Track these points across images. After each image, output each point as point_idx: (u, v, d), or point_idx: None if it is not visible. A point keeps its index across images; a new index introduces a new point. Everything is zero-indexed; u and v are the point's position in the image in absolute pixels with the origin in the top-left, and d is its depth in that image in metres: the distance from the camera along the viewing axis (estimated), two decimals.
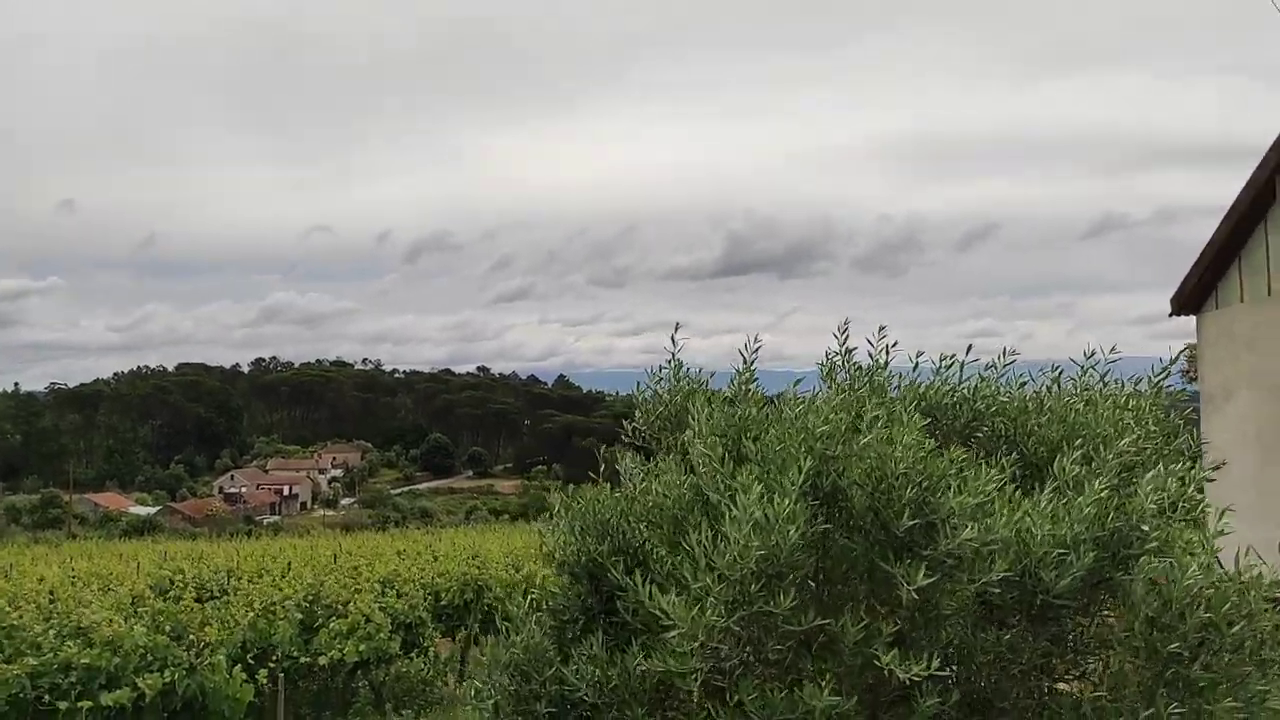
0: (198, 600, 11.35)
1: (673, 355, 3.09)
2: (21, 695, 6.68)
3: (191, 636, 7.51)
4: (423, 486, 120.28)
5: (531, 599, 2.80)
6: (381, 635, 8.75)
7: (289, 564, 16.87)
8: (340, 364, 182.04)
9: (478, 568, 13.15)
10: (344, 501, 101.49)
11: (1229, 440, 9.68)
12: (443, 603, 11.93)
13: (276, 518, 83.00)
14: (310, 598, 10.29)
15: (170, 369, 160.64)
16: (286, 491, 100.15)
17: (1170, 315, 20.49)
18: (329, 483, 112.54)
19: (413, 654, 9.32)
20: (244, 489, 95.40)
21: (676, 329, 3.14)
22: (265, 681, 7.27)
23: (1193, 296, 14.86)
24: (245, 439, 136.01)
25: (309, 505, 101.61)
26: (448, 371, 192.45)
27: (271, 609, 9.13)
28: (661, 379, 3.12)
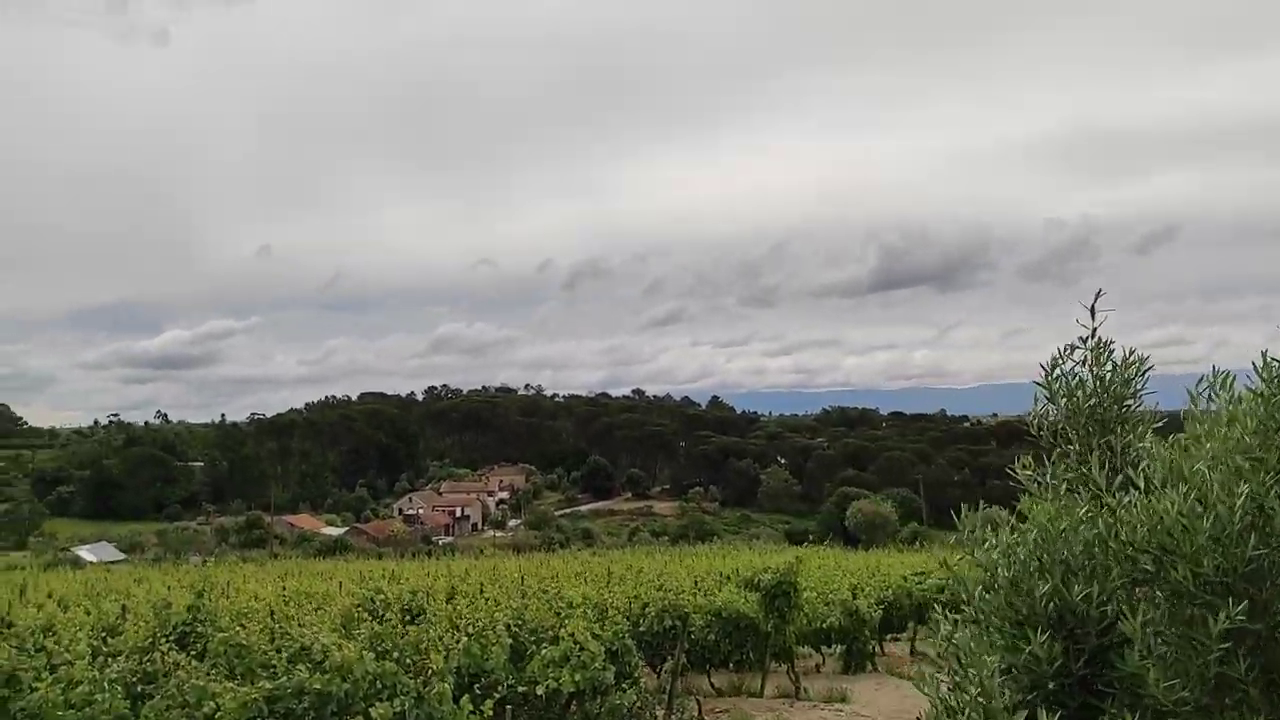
0: (403, 622, 11.42)
1: (1093, 331, 2.38)
2: (259, 719, 6.65)
3: (416, 662, 7.32)
4: (584, 508, 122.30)
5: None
6: (597, 665, 8.31)
7: (481, 586, 16.98)
8: (505, 390, 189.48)
9: (674, 594, 12.61)
10: (511, 522, 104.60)
11: None
12: (641, 629, 11.48)
13: (450, 538, 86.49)
14: (518, 622, 10.07)
15: (354, 398, 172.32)
16: (459, 513, 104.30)
17: None
18: (497, 504, 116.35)
19: (623, 685, 8.82)
20: (420, 510, 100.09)
21: (1097, 297, 2.41)
22: (490, 714, 6.93)
23: None
24: (421, 463, 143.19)
25: (479, 526, 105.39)
26: (604, 395, 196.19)
27: (484, 633, 8.89)
28: (1078, 361, 2.40)
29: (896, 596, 14.19)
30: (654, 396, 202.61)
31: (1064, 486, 2.49)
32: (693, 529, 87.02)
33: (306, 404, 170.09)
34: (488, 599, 13.86)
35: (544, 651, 8.81)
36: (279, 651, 8.85)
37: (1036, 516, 2.06)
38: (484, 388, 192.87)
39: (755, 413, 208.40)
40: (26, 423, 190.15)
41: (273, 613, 11.24)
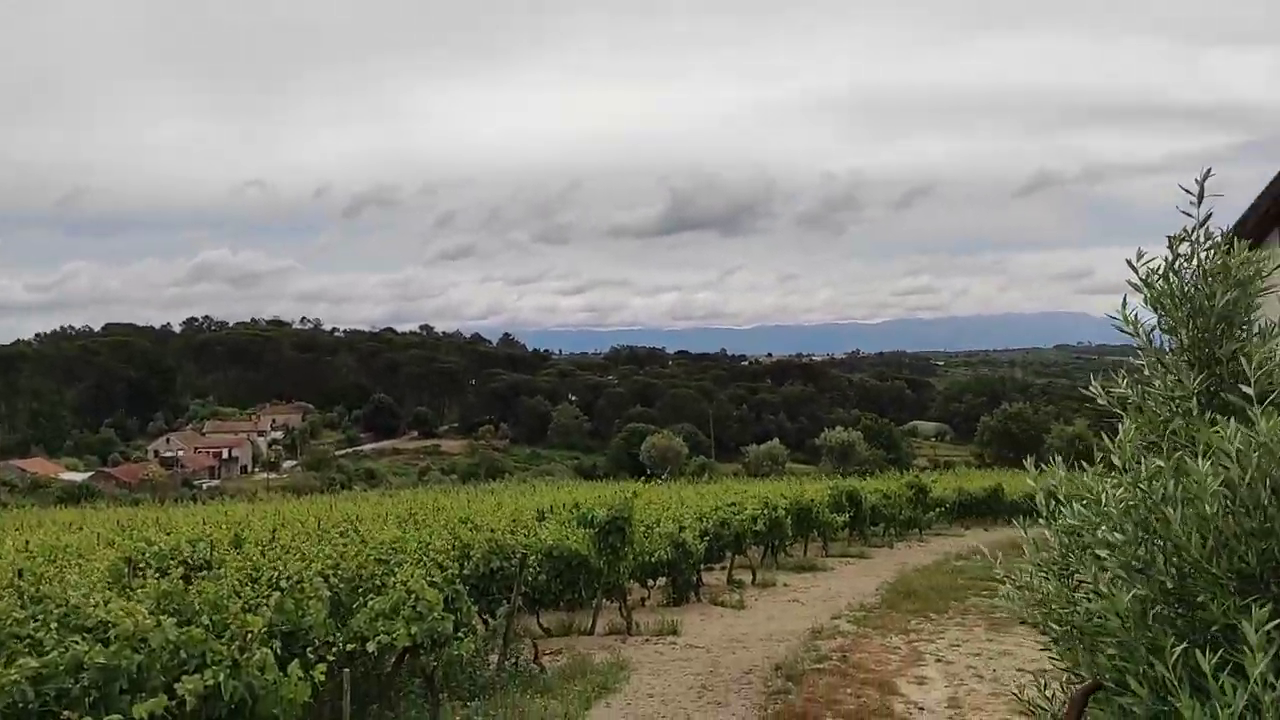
0: (185, 579, 10.00)
1: (1204, 219, 2.00)
2: (24, 705, 5.37)
3: (225, 624, 6.24)
4: (367, 448, 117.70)
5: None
6: (435, 615, 7.56)
7: (273, 532, 15.45)
8: (278, 323, 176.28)
9: (500, 533, 11.97)
10: (286, 464, 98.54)
11: None
12: (465, 573, 10.79)
13: (216, 481, 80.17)
14: (334, 571, 9.04)
15: (97, 329, 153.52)
16: (225, 455, 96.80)
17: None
18: (269, 445, 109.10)
19: (460, 633, 8.14)
20: (181, 453, 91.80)
21: (1206, 176, 2.03)
22: (322, 679, 6.04)
23: (1257, 228, 14.26)
24: (179, 401, 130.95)
25: (250, 468, 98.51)
26: (390, 330, 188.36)
27: (297, 587, 7.86)
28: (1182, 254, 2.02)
29: (716, 528, 14.39)
30: (443, 333, 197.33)
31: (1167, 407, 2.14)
32: (484, 467, 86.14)
33: (38, 334, 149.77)
34: (285, 547, 12.57)
35: (371, 603, 7.93)
36: (39, 619, 7.37)
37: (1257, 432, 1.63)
38: (253, 320, 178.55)
39: (546, 350, 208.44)
40: None
41: (20, 572, 9.45)
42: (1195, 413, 2.16)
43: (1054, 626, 2.39)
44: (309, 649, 6.96)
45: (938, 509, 23.25)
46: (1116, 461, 1.85)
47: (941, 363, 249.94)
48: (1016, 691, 2.92)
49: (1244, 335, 2.17)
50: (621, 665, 9.09)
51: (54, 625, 6.32)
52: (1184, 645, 1.45)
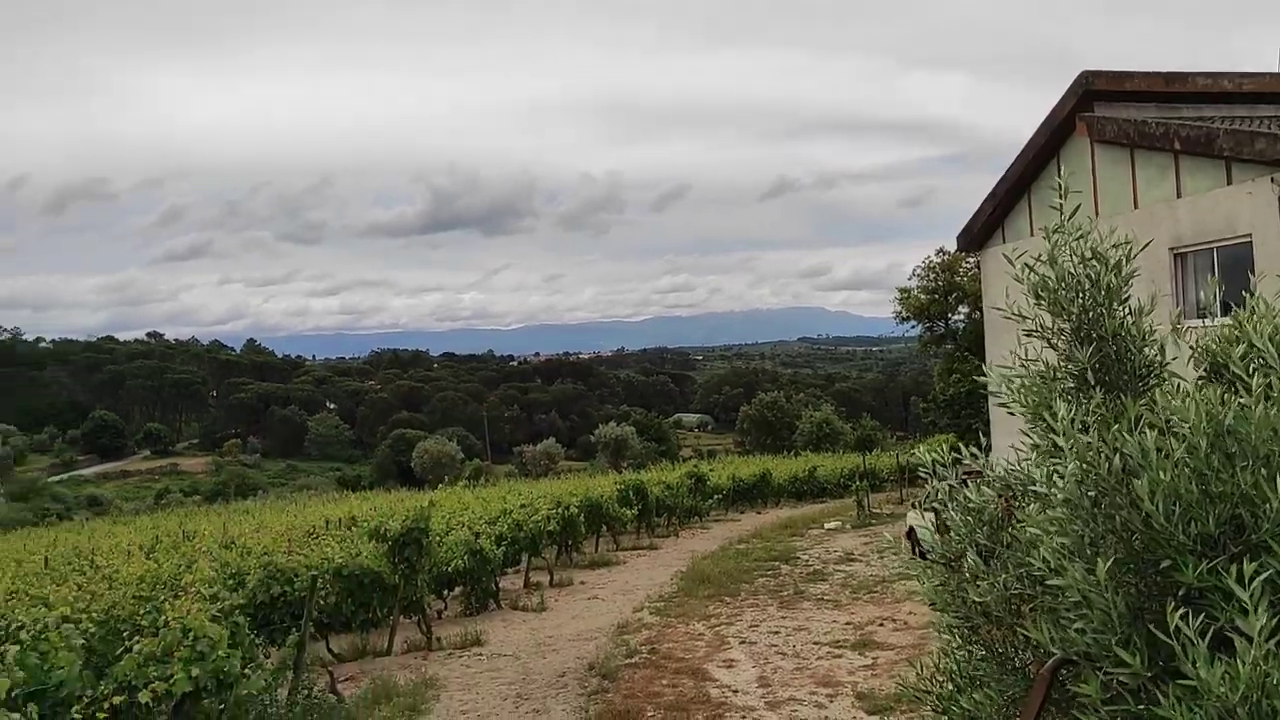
0: None
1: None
2: None
3: None
4: (88, 471, 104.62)
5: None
6: (220, 652, 6.73)
7: None
8: None
9: (275, 556, 10.94)
10: None
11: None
12: (242, 602, 9.75)
13: None
14: (83, 614, 7.79)
15: None
16: None
17: (959, 251, 22.27)
18: None
19: (247, 671, 7.31)
20: None
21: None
22: None
23: (981, 234, 16.09)
24: None
25: None
26: (110, 338, 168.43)
27: (41, 638, 6.69)
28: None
29: (510, 531, 14.08)
30: (175, 340, 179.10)
31: (1068, 382, 2.24)
32: (232, 485, 79.25)
33: None
34: (10, 591, 10.78)
35: (137, 647, 6.91)
36: None
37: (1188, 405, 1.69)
38: None
39: (299, 356, 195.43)
40: None
41: None
42: (1087, 386, 2.29)
43: (961, 608, 2.45)
44: (65, 708, 5.95)
45: (715, 496, 24.33)
46: (1061, 441, 1.89)
47: (700, 357, 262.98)
48: (900, 678, 2.99)
49: (1123, 312, 2.33)
50: (428, 684, 8.59)
51: None
52: (1179, 608, 1.48)
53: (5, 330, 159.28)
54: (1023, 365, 2.42)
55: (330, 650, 10.17)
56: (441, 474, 54.39)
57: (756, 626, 10.31)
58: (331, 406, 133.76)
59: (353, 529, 15.40)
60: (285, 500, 47.02)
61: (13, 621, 7.35)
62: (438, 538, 11.77)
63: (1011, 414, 2.29)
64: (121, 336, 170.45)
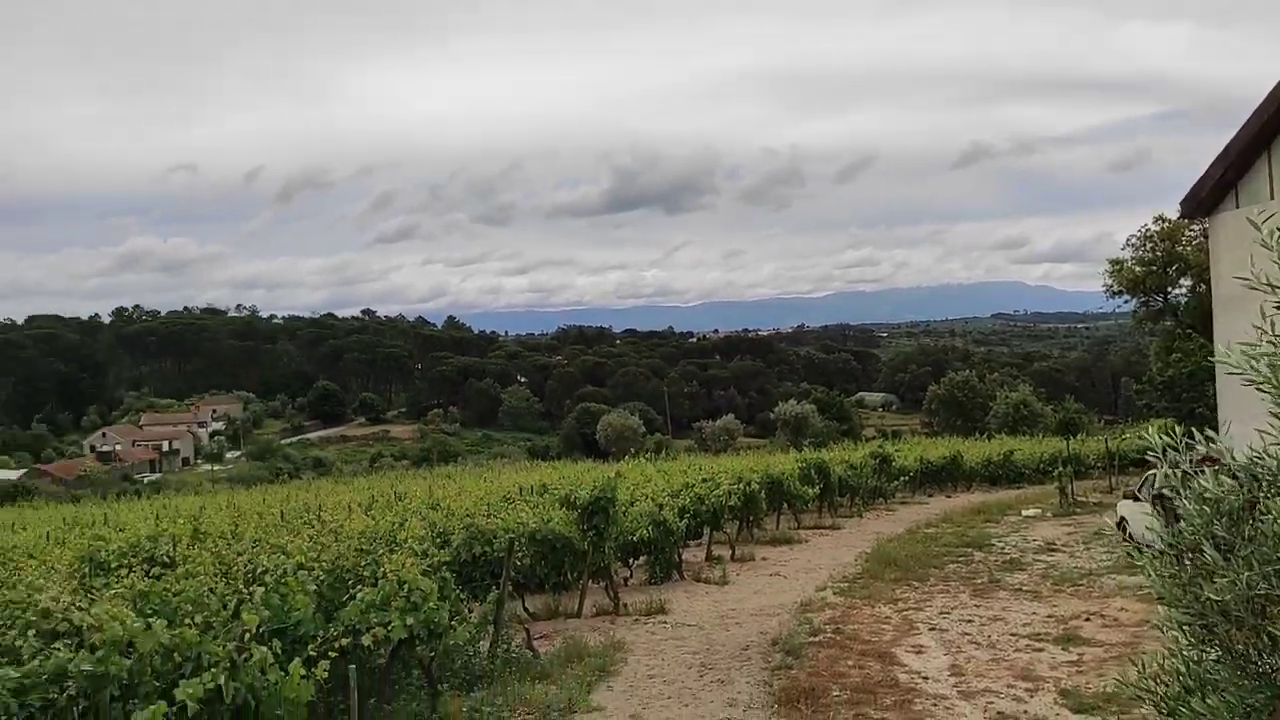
0: (153, 577, 9.53)
1: None
2: (7, 719, 5.00)
3: (217, 624, 5.91)
4: (314, 435, 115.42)
5: None
6: (430, 604, 7.30)
7: (234, 523, 14.92)
8: (212, 311, 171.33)
9: (481, 518, 11.69)
10: (230, 454, 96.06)
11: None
12: (447, 559, 10.50)
13: (157, 475, 77.75)
14: (315, 563, 8.68)
15: (19, 321, 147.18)
16: (166, 447, 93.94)
17: (1181, 218, 20.27)
18: (211, 436, 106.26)
19: (453, 623, 7.89)
20: (118, 446, 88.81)
21: None
22: (324, 676, 5.77)
23: (1210, 198, 14.50)
24: (112, 394, 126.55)
25: (192, 461, 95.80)
26: (331, 316, 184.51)
27: (281, 581, 7.51)
28: None
29: (692, 505, 14.30)
30: (385, 317, 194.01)
31: None
32: (435, 451, 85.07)
33: None
34: (253, 540, 12.12)
35: (360, 595, 7.63)
36: (7, 625, 6.91)
37: None
38: (186, 309, 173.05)
39: (493, 332, 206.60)
40: None
41: None
42: None
43: (1194, 605, 2.27)
44: (302, 645, 6.66)
45: (901, 478, 23.56)
46: None
47: (885, 334, 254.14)
48: (1117, 676, 2.82)
49: None
50: (616, 646, 8.93)
51: (30, 632, 5.91)
52: None
53: (245, 308, 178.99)
54: (1271, 342, 2.20)
55: (526, 609, 10.78)
56: (624, 447, 55.87)
57: (947, 614, 9.94)
58: (522, 380, 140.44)
59: (544, 496, 16.14)
60: (482, 467, 49.96)
61: (258, 566, 8.30)
62: (623, 507, 12.14)
63: (1262, 396, 2.09)
64: (340, 313, 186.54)
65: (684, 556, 13.89)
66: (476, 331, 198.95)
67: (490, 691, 7.47)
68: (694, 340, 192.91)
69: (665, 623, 10.15)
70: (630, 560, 12.91)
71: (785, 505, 18.29)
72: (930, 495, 26.14)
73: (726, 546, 14.89)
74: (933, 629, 9.24)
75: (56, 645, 5.57)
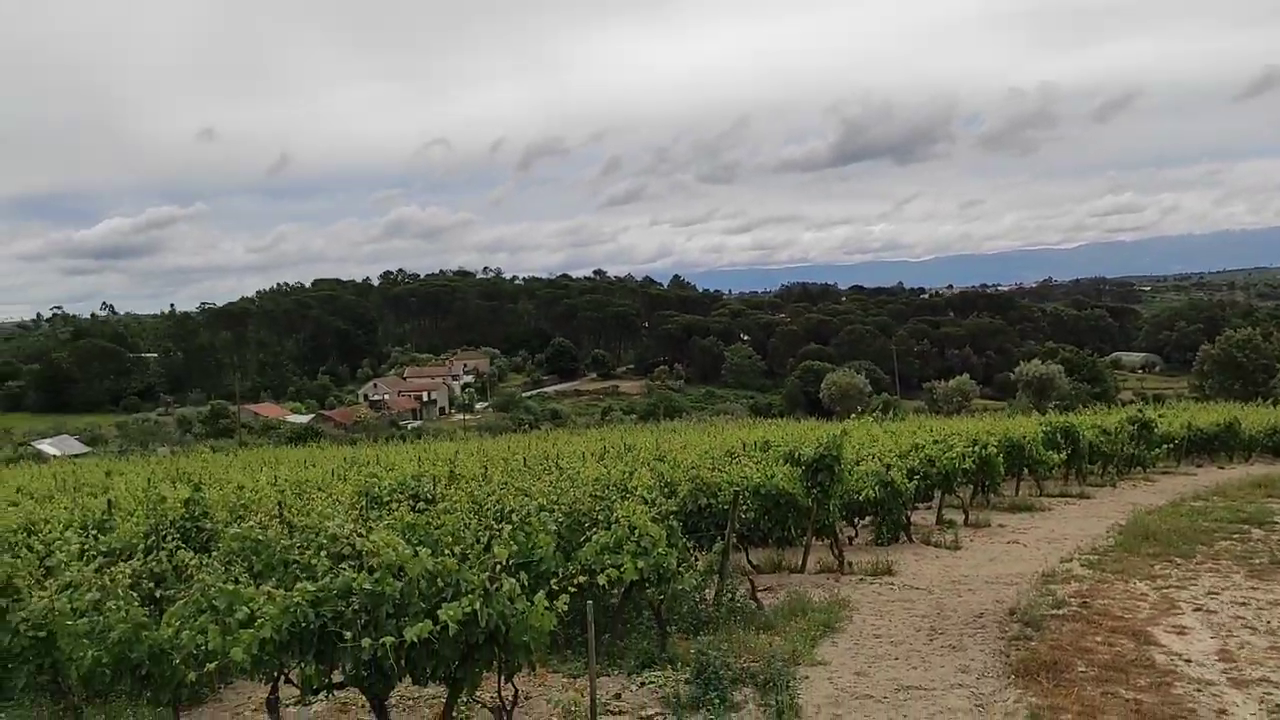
0: (414, 509, 10.65)
1: None
2: (305, 625, 5.86)
3: (472, 555, 6.55)
4: (550, 389, 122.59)
5: None
6: (659, 550, 7.64)
7: (484, 468, 16.27)
8: (463, 273, 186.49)
9: (707, 470, 11.98)
10: (479, 405, 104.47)
11: None
12: (674, 509, 10.88)
13: (418, 422, 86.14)
14: (555, 505, 9.34)
15: (307, 285, 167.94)
16: (425, 397, 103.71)
17: None
18: (462, 388, 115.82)
19: (681, 569, 8.19)
20: (386, 396, 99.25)
21: None
22: (565, 609, 6.21)
23: None
24: (381, 349, 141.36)
25: (446, 410, 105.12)
26: (565, 276, 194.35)
27: (526, 520, 8.15)
28: None
29: (922, 466, 13.79)
30: (615, 277, 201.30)
31: None
32: (661, 406, 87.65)
33: (259, 292, 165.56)
34: (501, 483, 13.15)
35: (595, 537, 8.12)
36: (304, 547, 8.02)
37: None
38: (441, 271, 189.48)
39: (716, 291, 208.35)
40: None
41: (282, 505, 10.38)
42: None
43: None
44: (544, 580, 7.20)
45: (1164, 446, 21.28)
46: None
47: (1147, 288, 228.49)
48: None
49: None
50: (841, 604, 8.89)
51: (321, 553, 6.83)
52: None
53: (490, 270, 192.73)
54: None
55: (750, 562, 10.97)
56: (849, 406, 54.63)
57: (1216, 594, 8.96)
58: (745, 338, 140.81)
59: (767, 452, 16.21)
60: (705, 423, 50.91)
61: (505, 506, 9.06)
62: (848, 466, 11.95)
63: None
64: (574, 274, 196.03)
65: (912, 519, 13.47)
66: (700, 290, 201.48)
67: (716, 637, 7.71)
68: (925, 296, 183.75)
69: (892, 584, 9.95)
70: (855, 520, 12.72)
71: (1026, 471, 17.15)
72: (1199, 466, 23.39)
73: (959, 511, 14.25)
74: (1198, 609, 8.38)
75: (343, 566, 6.42)
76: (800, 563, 10.86)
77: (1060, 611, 8.38)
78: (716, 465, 13.68)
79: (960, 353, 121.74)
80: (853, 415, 10.83)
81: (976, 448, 14.88)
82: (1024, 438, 16.86)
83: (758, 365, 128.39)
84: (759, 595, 9.20)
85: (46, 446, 57.71)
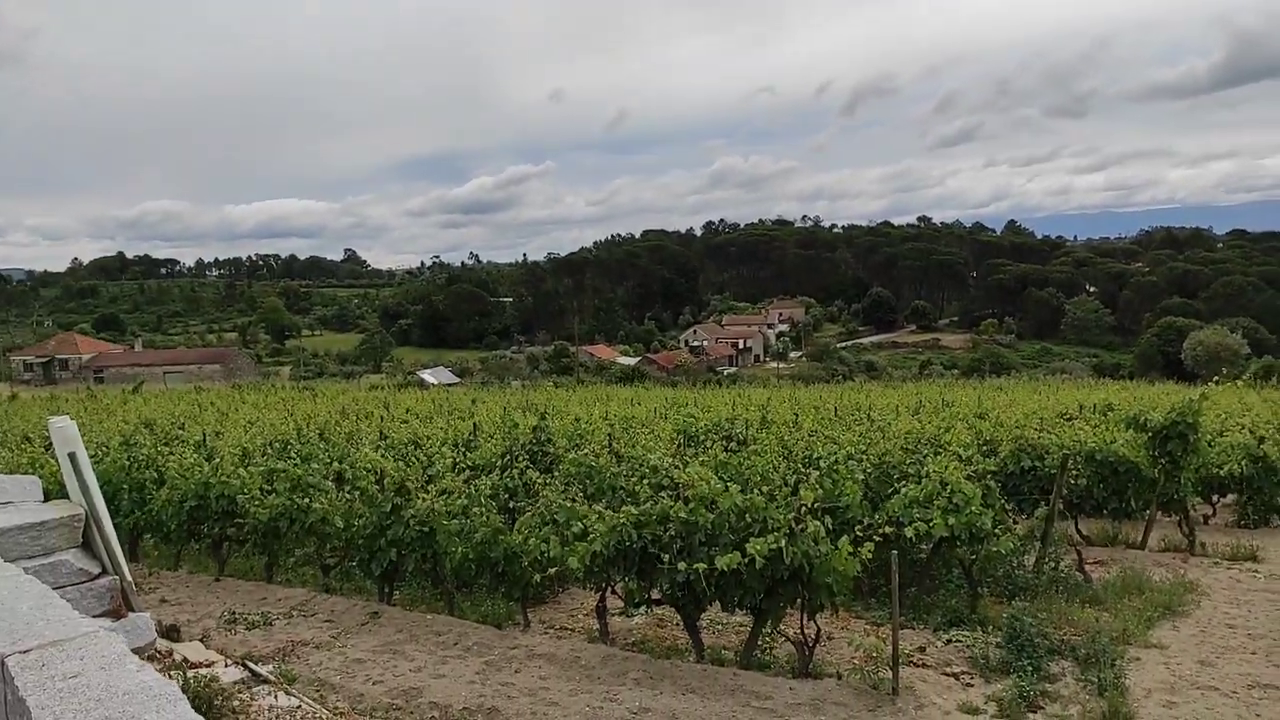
0: (727, 449, 11.18)
1: None
2: (629, 544, 6.54)
3: (780, 496, 6.85)
4: (866, 340, 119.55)
5: None
6: (973, 508, 7.38)
7: (795, 414, 16.53)
8: (781, 222, 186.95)
9: (1028, 429, 11.24)
10: (792, 354, 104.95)
11: None
12: (993, 469, 10.33)
13: (734, 369, 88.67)
14: (865, 455, 9.36)
15: (637, 235, 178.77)
16: (741, 345, 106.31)
17: None
18: (777, 337, 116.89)
19: (996, 531, 7.85)
20: (705, 342, 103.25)
21: None
22: (869, 556, 6.29)
23: None
24: (702, 297, 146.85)
25: (760, 357, 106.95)
26: (886, 224, 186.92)
27: (835, 468, 8.27)
28: None
29: None
30: (941, 223, 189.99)
31: None
32: (987, 362, 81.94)
33: (595, 243, 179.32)
34: (810, 431, 13.33)
35: (904, 490, 8.04)
36: (630, 474, 8.81)
37: None
38: (760, 221, 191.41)
39: (1059, 237, 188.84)
40: (369, 265, 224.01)
41: (611, 437, 11.45)
42: None
43: None
44: (849, 527, 7.30)
45: None
46: None
47: None
48: None
49: None
50: (1188, 587, 7.98)
51: (645, 482, 7.50)
52: None
53: (809, 219, 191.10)
54: None
55: (1079, 532, 10.16)
56: (1217, 369, 47.06)
57: None
58: (1091, 289, 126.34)
59: (1108, 415, 14.71)
60: (1037, 381, 46.86)
61: (814, 452, 9.25)
62: (1209, 436, 10.54)
63: None
64: (896, 221, 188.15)
65: None
66: (1040, 236, 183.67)
67: (1034, 604, 7.34)
68: None
69: (1256, 572, 8.70)
70: (1214, 497, 11.20)
71: None
72: None
73: None
74: None
75: (661, 494, 7.04)
76: (1140, 539, 9.85)
77: None
78: (1045, 427, 12.73)
79: None
80: (1217, 378, 9.45)
81: None
82: None
83: (1105, 320, 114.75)
84: (1086, 567, 8.54)
85: (427, 375, 67.97)
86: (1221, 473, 10.42)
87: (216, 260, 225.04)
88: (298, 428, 14.10)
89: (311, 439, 12.31)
